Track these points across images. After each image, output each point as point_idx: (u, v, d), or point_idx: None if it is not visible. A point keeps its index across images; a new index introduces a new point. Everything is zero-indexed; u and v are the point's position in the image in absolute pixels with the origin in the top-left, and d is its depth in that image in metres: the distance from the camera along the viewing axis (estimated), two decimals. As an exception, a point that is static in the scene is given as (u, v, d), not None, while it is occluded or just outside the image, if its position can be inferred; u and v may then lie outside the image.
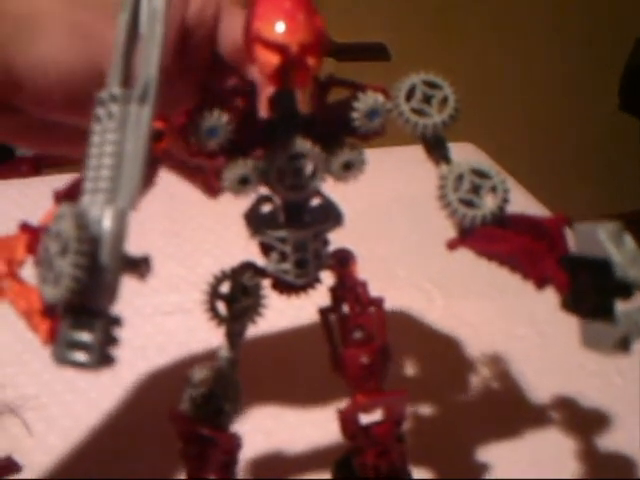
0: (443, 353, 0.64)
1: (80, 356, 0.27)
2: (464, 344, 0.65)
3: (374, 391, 0.40)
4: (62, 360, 0.27)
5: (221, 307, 0.38)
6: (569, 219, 0.32)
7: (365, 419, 0.41)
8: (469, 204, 0.35)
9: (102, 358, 0.27)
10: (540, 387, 0.60)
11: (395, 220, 0.84)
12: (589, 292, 0.30)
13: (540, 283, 0.32)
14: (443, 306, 0.71)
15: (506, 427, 0.56)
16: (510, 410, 0.59)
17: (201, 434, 0.38)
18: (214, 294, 0.38)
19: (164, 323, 0.66)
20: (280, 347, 0.62)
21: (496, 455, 0.54)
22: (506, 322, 0.69)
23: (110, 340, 0.27)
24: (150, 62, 0.28)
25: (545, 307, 0.67)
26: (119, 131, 0.28)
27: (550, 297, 0.32)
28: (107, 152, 0.28)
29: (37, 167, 1.53)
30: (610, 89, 2.13)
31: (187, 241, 0.75)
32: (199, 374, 0.39)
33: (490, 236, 0.34)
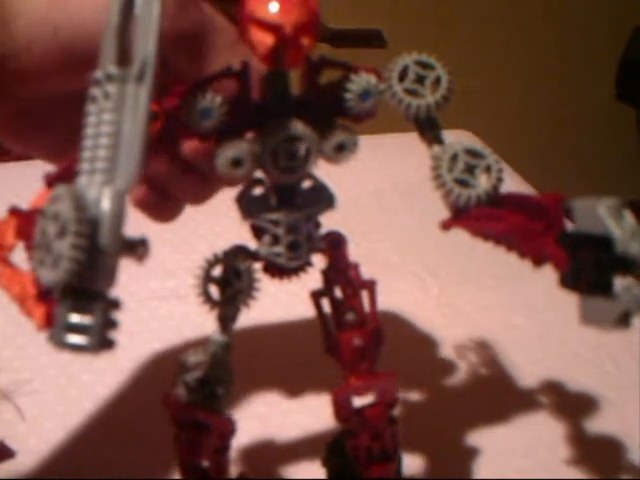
0: (438, 341, 0.64)
1: (79, 339, 0.27)
2: (459, 332, 0.65)
3: (367, 374, 0.40)
4: (60, 344, 0.27)
5: (213, 291, 0.38)
6: (565, 197, 0.32)
7: (357, 402, 0.41)
8: (464, 184, 0.35)
9: (102, 341, 0.27)
10: (535, 375, 0.61)
11: (391, 207, 0.84)
12: (588, 268, 0.30)
13: (537, 261, 0.32)
14: (438, 294, 0.71)
15: (500, 415, 0.57)
16: (505, 398, 0.59)
17: (195, 419, 0.38)
18: (206, 278, 0.38)
19: (159, 308, 0.66)
20: (272, 332, 0.62)
21: (490, 442, 0.54)
22: (501, 310, 0.69)
23: (109, 323, 0.27)
24: (147, 40, 0.28)
25: (541, 296, 0.69)
26: (116, 111, 0.27)
27: (546, 285, 0.32)
28: (104, 132, 0.27)
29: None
30: (607, 79, 2.13)
31: (183, 226, 0.74)
32: (192, 358, 0.38)
33: (485, 216, 0.34)
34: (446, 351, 0.63)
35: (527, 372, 0.61)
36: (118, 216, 0.26)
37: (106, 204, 0.26)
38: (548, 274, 0.33)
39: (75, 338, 0.27)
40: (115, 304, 0.27)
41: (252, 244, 0.39)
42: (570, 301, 0.32)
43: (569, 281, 0.31)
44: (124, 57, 0.29)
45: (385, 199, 0.85)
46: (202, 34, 0.38)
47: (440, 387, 0.59)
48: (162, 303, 0.66)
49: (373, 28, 0.41)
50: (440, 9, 1.90)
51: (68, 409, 0.55)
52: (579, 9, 2.03)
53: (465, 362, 0.62)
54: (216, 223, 0.75)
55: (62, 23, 0.37)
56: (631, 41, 2.09)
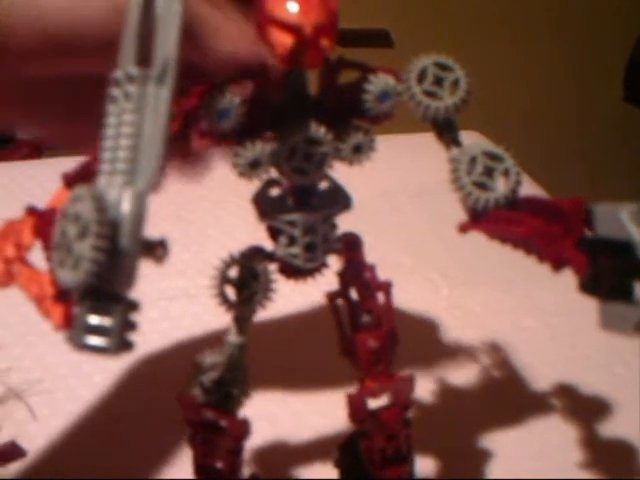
0: (448, 343, 0.64)
1: (99, 341, 0.27)
2: (469, 334, 0.65)
3: (382, 375, 0.40)
4: (79, 345, 0.27)
5: (230, 292, 0.38)
6: (586, 202, 0.32)
7: (372, 404, 0.41)
8: (482, 187, 0.34)
9: (121, 343, 0.27)
10: (546, 378, 0.61)
11: (401, 209, 0.84)
12: (608, 273, 0.30)
13: (557, 265, 0.32)
14: (449, 296, 0.71)
15: (511, 417, 0.57)
16: (516, 400, 0.59)
17: (211, 420, 0.38)
18: (223, 279, 0.38)
19: (169, 308, 0.65)
20: (285, 333, 0.62)
21: (500, 444, 0.54)
22: (512, 313, 0.69)
23: (129, 325, 0.27)
24: (168, 41, 0.27)
25: (551, 298, 0.69)
26: (137, 112, 0.27)
27: (557, 288, 0.32)
28: (124, 133, 0.27)
29: (38, 150, 1.53)
30: (615, 81, 2.13)
31: (192, 226, 0.74)
32: (208, 359, 0.38)
33: (503, 219, 0.34)
34: (456, 353, 0.63)
35: (538, 374, 0.61)
36: (138, 218, 0.26)
37: (126, 206, 0.26)
38: (559, 277, 0.32)
39: (94, 340, 0.27)
40: (134, 306, 0.27)
41: (264, 244, 0.39)
42: (581, 304, 0.32)
43: (589, 286, 0.30)
44: (144, 57, 0.29)
45: (395, 200, 0.85)
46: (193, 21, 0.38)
47: (451, 388, 0.59)
48: (172, 303, 0.66)
49: (380, 28, 0.41)
50: (446, 10, 1.90)
51: (79, 409, 0.55)
52: (586, 11, 2.02)
53: (476, 364, 0.62)
54: (226, 223, 0.75)
55: (47, 7, 0.36)
56: (638, 43, 2.09)
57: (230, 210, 0.70)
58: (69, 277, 0.26)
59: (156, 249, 0.28)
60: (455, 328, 0.65)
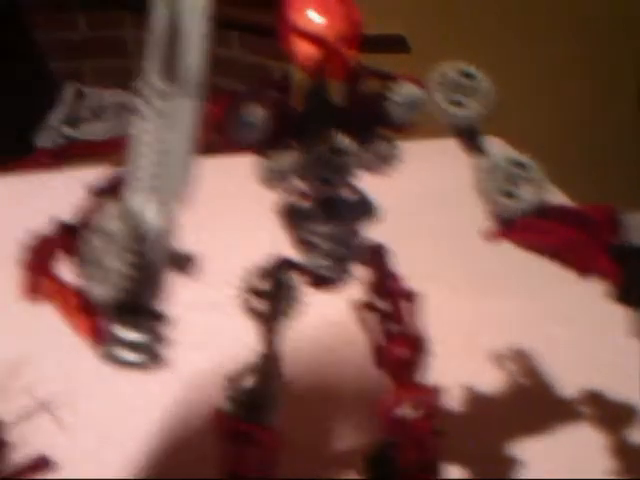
0: (472, 350, 0.64)
1: (131, 355, 0.27)
2: (495, 342, 0.64)
3: (412, 385, 0.40)
4: (112, 359, 0.27)
5: (258, 303, 0.38)
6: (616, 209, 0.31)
7: (401, 413, 0.41)
8: (508, 195, 0.34)
9: (154, 357, 0.27)
10: (573, 385, 0.60)
11: (424, 215, 0.84)
12: (640, 282, 0.29)
13: (586, 273, 0.31)
14: (472, 303, 0.70)
15: (538, 424, 0.56)
16: (541, 408, 0.59)
17: (243, 432, 0.38)
18: (251, 290, 0.38)
19: (195, 320, 0.65)
20: (311, 343, 0.62)
21: (528, 452, 0.54)
22: (538, 320, 0.68)
23: (159, 338, 0.27)
24: (193, 55, 0.28)
25: (576, 305, 0.68)
26: (163, 126, 0.27)
27: (583, 295, 0.32)
28: (151, 148, 0.27)
29: (58, 160, 1.54)
30: (630, 90, 2.11)
31: (217, 237, 0.73)
32: (240, 372, 0.38)
33: (531, 227, 0.34)
34: (479, 360, 0.63)
35: (565, 382, 0.61)
36: (167, 232, 0.26)
37: (155, 221, 0.26)
38: (585, 284, 0.32)
39: (127, 354, 0.27)
40: (164, 319, 0.27)
41: (290, 254, 0.39)
42: (606, 311, 0.31)
43: (621, 295, 0.30)
44: (170, 71, 0.29)
45: (419, 208, 0.84)
46: None
47: (478, 396, 0.59)
48: (198, 314, 0.65)
49: (396, 34, 0.41)
50: (462, 17, 1.89)
51: (107, 420, 0.56)
52: (602, 18, 2.01)
53: (502, 371, 0.61)
54: (252, 234, 0.75)
55: None
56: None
57: (255, 221, 0.70)
58: (99, 291, 0.26)
59: (184, 262, 0.28)
60: (480, 335, 0.65)
